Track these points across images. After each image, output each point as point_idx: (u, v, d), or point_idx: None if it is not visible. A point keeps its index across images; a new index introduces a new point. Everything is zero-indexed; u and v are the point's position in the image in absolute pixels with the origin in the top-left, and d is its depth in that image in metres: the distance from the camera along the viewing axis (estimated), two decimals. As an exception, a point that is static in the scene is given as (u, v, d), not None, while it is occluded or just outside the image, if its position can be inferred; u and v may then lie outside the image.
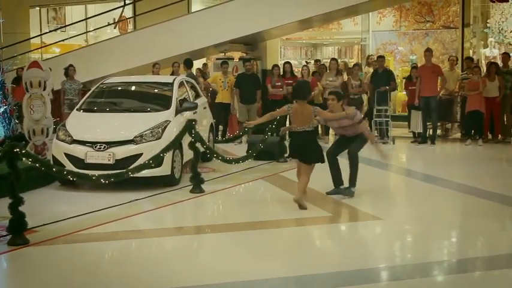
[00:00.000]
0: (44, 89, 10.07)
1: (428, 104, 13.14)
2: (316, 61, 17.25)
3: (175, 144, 8.65)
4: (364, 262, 5.73)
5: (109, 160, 8.46)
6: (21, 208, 6.17)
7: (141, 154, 8.50)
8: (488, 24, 17.69)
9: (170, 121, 9.13)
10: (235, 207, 8.20)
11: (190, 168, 8.78)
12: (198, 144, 8.74)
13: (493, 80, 13.35)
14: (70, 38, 20.09)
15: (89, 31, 19.84)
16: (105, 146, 8.53)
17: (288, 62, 14.73)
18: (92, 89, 10.48)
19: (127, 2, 18.26)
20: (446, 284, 5.30)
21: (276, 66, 14.28)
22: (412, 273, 5.50)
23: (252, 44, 15.88)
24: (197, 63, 16.51)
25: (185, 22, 15.07)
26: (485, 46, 17.79)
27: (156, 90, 10.53)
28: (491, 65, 13.91)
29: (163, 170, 8.64)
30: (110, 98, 10.12)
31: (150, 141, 8.68)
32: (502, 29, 17.46)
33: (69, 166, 8.42)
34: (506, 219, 7.47)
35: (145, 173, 8.29)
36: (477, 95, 13.19)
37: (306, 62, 18.16)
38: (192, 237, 6.93)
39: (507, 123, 13.80)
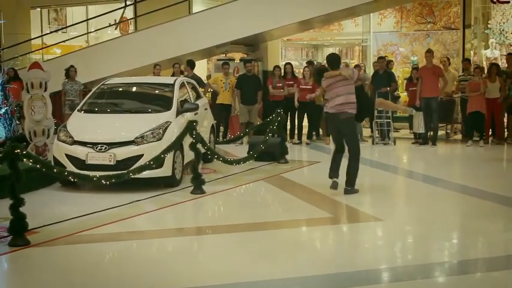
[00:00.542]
0: (45, 90, 10.09)
1: (429, 105, 13.13)
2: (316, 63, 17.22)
3: (176, 145, 8.65)
4: (365, 263, 5.73)
5: (110, 161, 8.47)
6: (22, 209, 6.18)
7: (142, 155, 8.50)
8: (489, 25, 17.69)
9: (171, 122, 9.13)
10: (236, 208, 8.21)
11: (191, 169, 8.78)
12: (199, 145, 8.75)
13: (494, 81, 13.33)
14: (71, 39, 20.09)
15: (90, 32, 19.86)
16: (106, 147, 8.53)
17: (289, 63, 14.76)
18: (93, 90, 10.49)
19: (128, 3, 18.24)
20: (447, 286, 5.29)
21: (277, 67, 14.32)
22: (413, 275, 5.49)
23: (253, 45, 15.88)
24: (199, 64, 16.48)
25: (186, 23, 15.04)
26: (486, 47, 17.81)
27: (157, 91, 10.54)
28: (492, 66, 13.90)
29: (164, 171, 8.63)
30: (111, 99, 10.12)
31: (151, 142, 8.68)
32: (503, 30, 17.46)
33: (70, 167, 8.42)
34: (507, 220, 7.45)
35: (146, 174, 8.28)
36: (478, 96, 13.18)
37: (309, 62, 18.11)
38: (192, 238, 6.92)
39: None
